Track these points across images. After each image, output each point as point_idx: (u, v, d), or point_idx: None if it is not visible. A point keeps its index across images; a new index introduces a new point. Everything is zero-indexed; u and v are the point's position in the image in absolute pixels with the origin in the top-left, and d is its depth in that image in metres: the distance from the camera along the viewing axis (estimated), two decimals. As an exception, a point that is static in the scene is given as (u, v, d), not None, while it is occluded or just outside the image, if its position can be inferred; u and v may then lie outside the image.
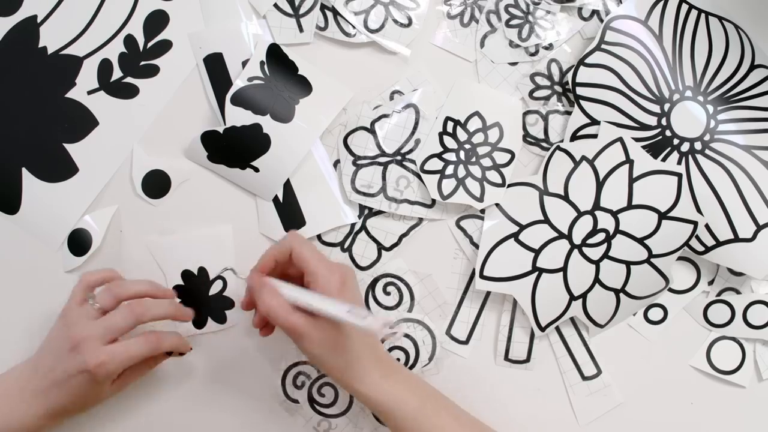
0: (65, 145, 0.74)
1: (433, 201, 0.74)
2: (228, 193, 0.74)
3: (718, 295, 0.75)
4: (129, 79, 0.74)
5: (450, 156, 0.73)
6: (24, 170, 0.74)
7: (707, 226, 0.72)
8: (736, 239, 0.72)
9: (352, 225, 0.74)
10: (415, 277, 0.75)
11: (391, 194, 0.74)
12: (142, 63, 0.75)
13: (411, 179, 0.74)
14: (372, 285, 0.74)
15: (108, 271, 0.70)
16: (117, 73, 0.74)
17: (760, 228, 0.72)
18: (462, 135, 0.74)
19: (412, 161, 0.74)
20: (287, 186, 0.74)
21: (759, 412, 0.76)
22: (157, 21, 0.75)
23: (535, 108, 0.75)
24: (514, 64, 0.75)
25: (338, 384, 0.68)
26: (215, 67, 0.74)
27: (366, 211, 0.74)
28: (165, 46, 0.75)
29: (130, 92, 0.74)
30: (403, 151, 0.74)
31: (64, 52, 0.74)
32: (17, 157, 0.74)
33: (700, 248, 0.73)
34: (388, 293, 0.74)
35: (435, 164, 0.73)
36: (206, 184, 0.74)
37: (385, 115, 0.74)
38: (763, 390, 0.75)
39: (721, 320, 0.75)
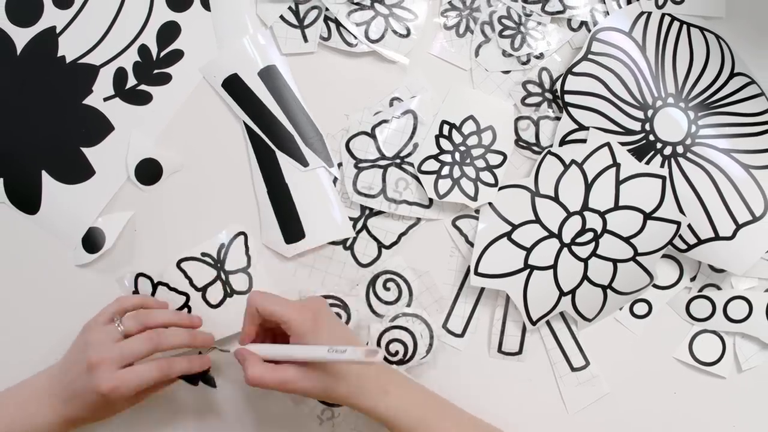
0: (83, 149, 0.74)
1: (431, 201, 0.74)
2: (231, 198, 0.75)
3: (700, 290, 0.75)
4: (143, 87, 0.74)
5: (446, 157, 0.73)
6: (44, 173, 0.74)
7: (689, 226, 0.72)
8: (717, 238, 0.72)
9: (354, 225, 0.74)
10: (413, 273, 0.74)
11: (390, 195, 0.74)
12: (155, 71, 0.74)
13: (409, 181, 0.74)
14: (372, 281, 0.74)
15: (143, 299, 0.71)
16: (131, 81, 0.74)
17: (739, 227, 0.72)
18: (457, 137, 0.73)
19: (411, 164, 0.73)
20: (289, 201, 0.74)
21: (738, 401, 0.75)
22: (169, 31, 0.75)
23: (527, 114, 0.74)
24: (507, 72, 0.75)
25: (346, 405, 0.67)
26: (235, 88, 0.74)
27: (367, 211, 0.74)
28: (177, 55, 0.75)
29: (144, 99, 0.74)
30: (402, 154, 0.74)
31: (81, 61, 0.74)
32: (38, 160, 0.74)
33: (683, 246, 0.72)
34: (387, 289, 0.74)
35: (432, 165, 0.73)
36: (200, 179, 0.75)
37: (385, 121, 0.74)
38: (742, 380, 0.75)
39: (702, 314, 0.75)
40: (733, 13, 0.75)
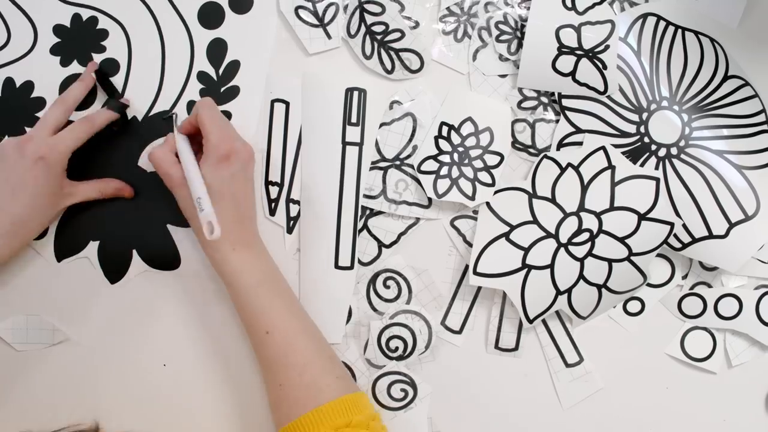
0: None
1: (430, 202, 0.74)
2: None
3: (692, 288, 0.75)
4: (220, 108, 0.74)
5: (444, 158, 0.73)
6: (169, 226, 0.74)
7: (684, 225, 0.72)
8: (711, 236, 0.72)
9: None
10: (412, 272, 0.75)
11: (390, 196, 0.74)
12: (223, 89, 0.74)
13: (409, 182, 0.74)
14: (373, 279, 0.74)
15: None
16: None
17: (732, 226, 0.72)
18: (456, 138, 0.73)
19: (410, 166, 0.73)
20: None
21: (728, 396, 0.75)
22: (217, 49, 0.74)
23: (523, 117, 0.74)
24: (503, 76, 0.74)
25: (198, 239, 0.68)
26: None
27: (368, 212, 0.74)
28: (235, 66, 0.74)
29: (228, 118, 0.74)
30: (401, 156, 0.74)
31: (152, 113, 0.74)
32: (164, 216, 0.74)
33: (678, 245, 0.72)
34: (387, 287, 0.74)
35: (431, 165, 0.73)
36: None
37: (385, 123, 0.74)
38: (732, 376, 0.75)
39: (694, 312, 0.75)
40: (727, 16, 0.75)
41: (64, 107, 0.69)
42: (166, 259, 0.74)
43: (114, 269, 0.73)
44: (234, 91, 0.74)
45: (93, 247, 0.73)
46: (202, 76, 0.74)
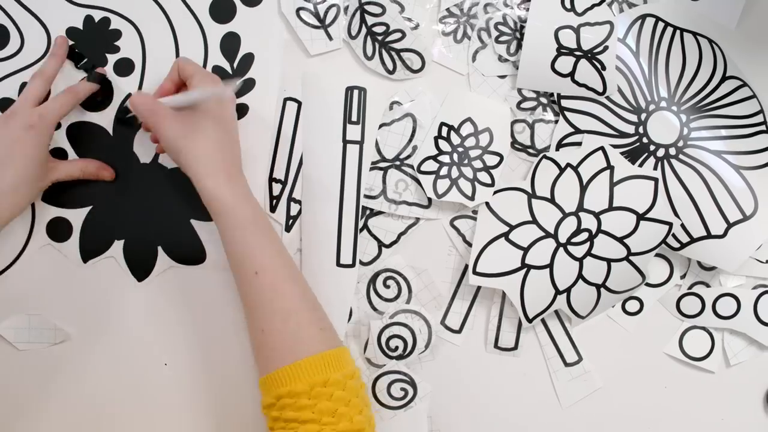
0: None
1: (430, 202, 0.74)
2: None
3: (690, 288, 0.75)
4: (238, 101, 0.74)
5: (444, 158, 0.73)
6: (192, 221, 0.74)
7: (682, 225, 0.72)
8: (709, 236, 0.72)
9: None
10: (412, 271, 0.75)
11: (390, 196, 0.74)
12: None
13: (409, 182, 0.74)
14: (373, 279, 0.74)
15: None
16: None
17: (730, 225, 0.72)
18: (455, 139, 0.73)
19: (410, 166, 0.73)
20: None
21: (726, 395, 0.76)
22: (230, 43, 0.74)
23: (522, 117, 0.74)
24: (503, 77, 0.75)
25: (188, 175, 0.66)
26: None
27: (368, 212, 0.74)
28: (249, 59, 0.74)
29: (242, 111, 0.74)
30: (401, 156, 0.74)
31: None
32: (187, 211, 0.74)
33: (676, 245, 0.73)
34: (387, 286, 0.74)
35: (431, 165, 0.73)
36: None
37: (385, 124, 0.74)
38: (730, 375, 0.76)
39: (692, 311, 0.75)
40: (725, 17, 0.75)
41: (43, 79, 0.69)
42: (191, 254, 0.73)
43: (140, 267, 0.73)
44: (250, 84, 0.74)
45: (118, 246, 0.73)
46: (218, 71, 0.74)
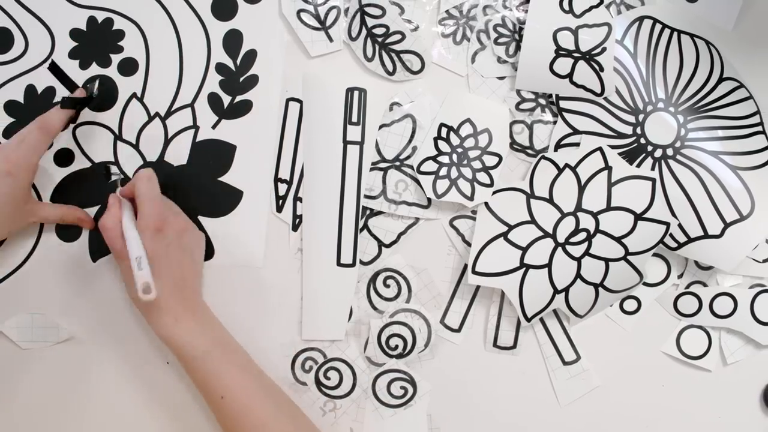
0: (219, 179, 0.74)
1: (429, 202, 0.74)
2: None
3: (687, 287, 0.75)
4: (238, 98, 0.74)
5: (444, 159, 0.73)
6: (200, 217, 0.74)
7: (679, 225, 0.72)
8: (706, 236, 0.72)
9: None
10: (412, 271, 0.75)
11: (390, 196, 0.74)
12: (242, 79, 0.74)
13: (409, 183, 0.74)
14: (373, 278, 0.74)
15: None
16: (226, 99, 0.74)
17: (727, 225, 0.72)
18: (455, 140, 0.73)
19: (410, 166, 0.74)
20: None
21: (723, 394, 0.76)
22: (233, 40, 0.74)
23: (521, 118, 0.74)
24: (502, 78, 0.75)
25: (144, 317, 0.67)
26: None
27: (368, 212, 0.74)
28: (252, 56, 0.75)
29: (246, 108, 0.74)
30: (401, 157, 0.74)
31: (174, 107, 0.74)
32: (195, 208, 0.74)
33: (673, 244, 0.73)
34: (387, 286, 0.75)
35: (430, 166, 0.73)
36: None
37: (385, 125, 0.75)
38: (727, 373, 0.76)
39: (689, 310, 0.75)
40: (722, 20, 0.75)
41: (36, 124, 0.68)
42: None
43: None
44: (253, 80, 0.75)
45: None
46: (221, 68, 0.74)
